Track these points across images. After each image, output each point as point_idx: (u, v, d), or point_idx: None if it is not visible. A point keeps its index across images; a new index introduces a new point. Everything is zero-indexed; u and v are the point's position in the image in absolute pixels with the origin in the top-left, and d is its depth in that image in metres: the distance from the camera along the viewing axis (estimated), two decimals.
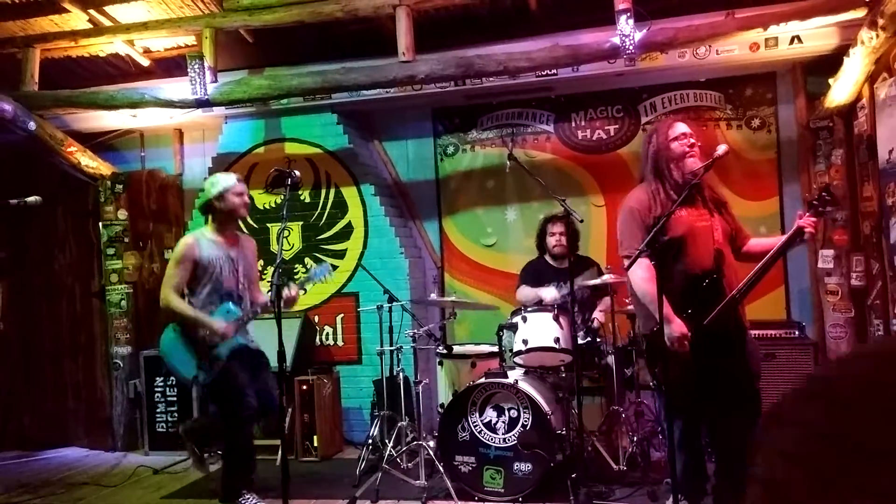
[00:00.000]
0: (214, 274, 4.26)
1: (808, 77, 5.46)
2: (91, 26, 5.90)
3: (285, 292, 4.07)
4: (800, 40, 5.01)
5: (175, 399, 5.93)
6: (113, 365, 6.25)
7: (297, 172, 3.86)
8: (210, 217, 4.38)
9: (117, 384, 6.22)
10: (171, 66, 6.30)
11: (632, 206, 3.56)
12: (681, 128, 3.54)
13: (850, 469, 0.53)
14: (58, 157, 6.01)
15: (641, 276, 3.42)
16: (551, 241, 5.12)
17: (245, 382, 4.20)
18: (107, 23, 5.89)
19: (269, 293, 4.21)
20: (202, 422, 4.72)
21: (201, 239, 4.34)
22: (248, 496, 4.23)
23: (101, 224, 6.32)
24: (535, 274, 5.16)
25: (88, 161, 6.24)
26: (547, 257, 5.19)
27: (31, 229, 6.61)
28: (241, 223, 5.06)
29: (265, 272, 6.17)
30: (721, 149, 3.35)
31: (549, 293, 4.90)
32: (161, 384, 5.97)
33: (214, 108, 5.90)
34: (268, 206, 6.21)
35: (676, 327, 3.28)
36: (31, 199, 4.28)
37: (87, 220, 6.55)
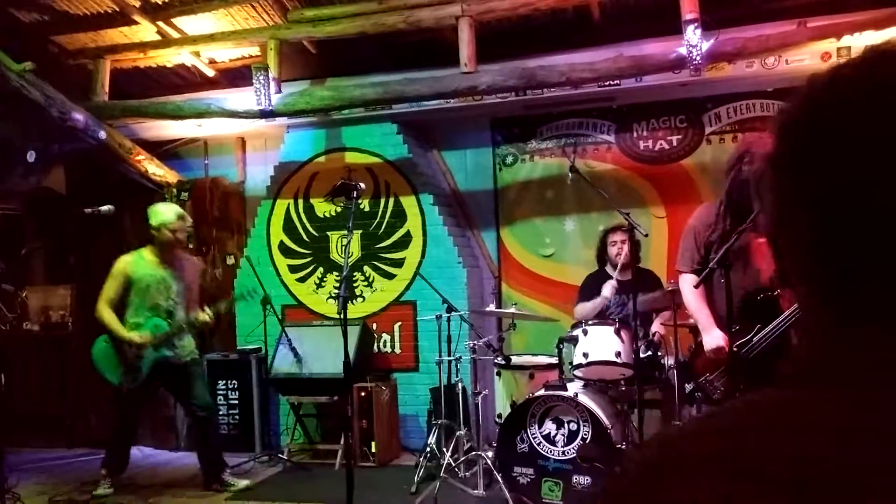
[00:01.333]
0: (143, 291, 4.86)
1: None
2: (159, 38, 6.07)
3: (201, 315, 4.91)
4: None
5: (237, 402, 6.04)
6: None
7: (363, 185, 3.90)
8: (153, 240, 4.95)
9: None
10: (235, 76, 6.44)
11: (693, 223, 3.64)
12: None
13: None
14: (126, 165, 6.19)
15: (687, 291, 3.52)
16: (612, 250, 5.07)
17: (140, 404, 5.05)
18: (174, 34, 6.06)
19: (203, 312, 4.96)
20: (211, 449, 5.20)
21: (138, 259, 4.96)
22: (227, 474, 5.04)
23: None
24: (595, 286, 5.11)
25: (155, 169, 6.42)
26: (608, 268, 5.14)
27: (100, 235, 6.81)
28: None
29: (325, 279, 6.26)
30: None
31: (607, 289, 4.85)
32: (223, 387, 6.09)
33: (277, 119, 6.00)
34: (328, 215, 6.29)
35: (713, 338, 3.35)
36: (105, 207, 4.43)
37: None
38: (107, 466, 5.04)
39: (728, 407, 0.62)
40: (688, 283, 3.52)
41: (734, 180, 3.41)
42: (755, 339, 3.31)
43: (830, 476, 0.52)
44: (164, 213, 4.95)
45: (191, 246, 6.46)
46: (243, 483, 5.06)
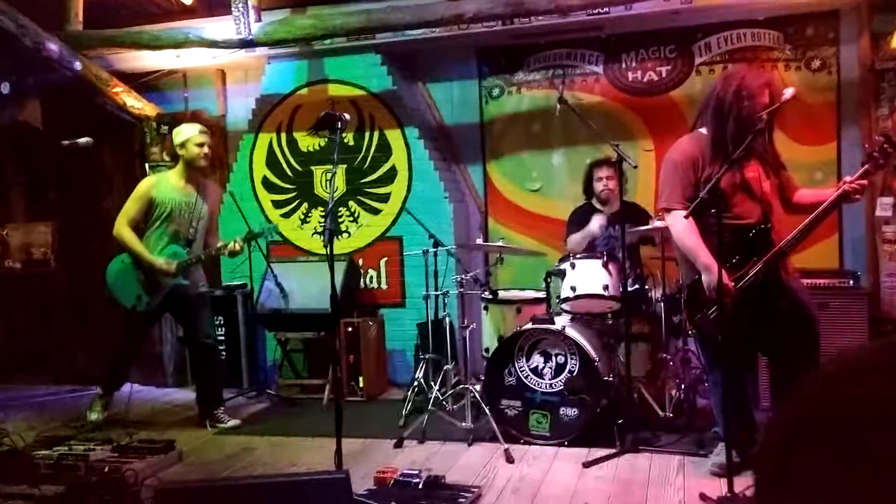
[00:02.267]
0: (166, 215, 4.73)
1: (874, 15, 5.20)
2: None
3: (230, 245, 4.71)
4: None
5: (223, 338, 6.03)
6: None
7: (347, 115, 3.80)
8: (178, 163, 4.83)
9: (166, 322, 6.33)
10: (213, 4, 6.20)
11: (675, 157, 3.54)
12: (765, 84, 3.33)
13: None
14: (103, 97, 6.02)
15: (682, 228, 3.42)
16: (598, 185, 5.05)
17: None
18: None
19: (232, 241, 4.76)
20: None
21: (162, 181, 4.84)
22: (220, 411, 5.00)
23: (147, 165, 6.36)
24: (582, 220, 5.09)
25: (133, 102, 6.25)
26: (594, 202, 5.11)
27: (79, 170, 6.68)
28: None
29: (310, 215, 6.19)
30: (788, 92, 3.23)
31: (595, 223, 4.84)
32: None
33: (258, 49, 5.83)
34: (311, 149, 6.18)
35: (713, 276, 3.27)
36: (83, 140, 4.31)
37: (133, 160, 6.59)
38: (104, 386, 5.03)
39: None
40: (679, 219, 3.40)
41: (735, 118, 3.30)
42: (751, 272, 3.31)
43: None
44: (187, 129, 4.81)
45: None
46: (232, 422, 4.98)
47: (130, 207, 4.76)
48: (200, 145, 4.75)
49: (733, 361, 3.46)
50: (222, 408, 5.06)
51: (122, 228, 4.72)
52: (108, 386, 5.06)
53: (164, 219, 4.75)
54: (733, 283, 3.31)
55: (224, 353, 6.04)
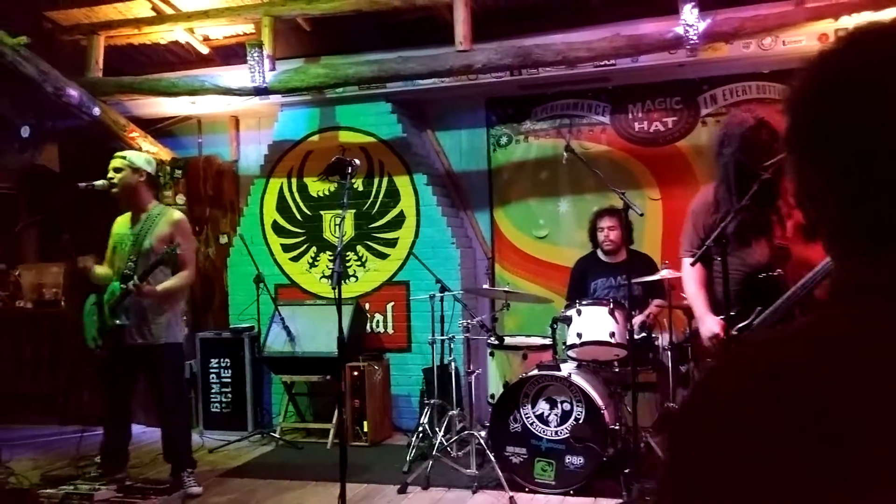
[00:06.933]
0: (115, 251, 4.55)
1: None
2: (154, 14, 6.02)
3: (129, 285, 4.23)
4: None
5: (229, 380, 6.04)
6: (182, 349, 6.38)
7: (358, 161, 3.88)
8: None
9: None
10: (229, 54, 6.39)
11: (692, 206, 3.58)
12: (755, 119, 3.27)
13: None
14: (120, 142, 6.14)
15: (685, 276, 3.48)
16: (600, 235, 5.07)
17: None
18: (168, 11, 6.01)
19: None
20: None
21: (123, 217, 4.64)
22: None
23: None
24: (585, 271, 5.12)
25: (149, 146, 6.38)
26: (599, 252, 5.14)
27: (93, 212, 6.76)
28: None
29: (318, 259, 6.24)
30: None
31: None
32: (216, 365, 6.09)
33: (271, 96, 5.96)
34: (322, 194, 6.27)
35: (706, 327, 3.28)
36: (100, 182, 4.40)
37: None
38: (100, 453, 4.67)
39: (793, 324, 0.71)
40: (685, 267, 3.46)
41: (725, 164, 3.31)
42: (755, 322, 3.26)
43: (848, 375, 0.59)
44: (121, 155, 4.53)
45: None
46: (194, 489, 4.48)
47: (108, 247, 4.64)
48: (108, 173, 4.45)
49: None
50: (189, 470, 4.56)
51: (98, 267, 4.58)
52: (103, 455, 4.64)
53: (114, 256, 4.54)
54: (734, 333, 3.28)
55: (230, 395, 6.05)
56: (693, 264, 3.32)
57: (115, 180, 4.43)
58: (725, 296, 3.20)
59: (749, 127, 3.24)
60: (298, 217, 6.33)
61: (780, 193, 3.36)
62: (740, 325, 3.27)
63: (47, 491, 4.22)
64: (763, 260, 3.31)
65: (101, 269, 4.56)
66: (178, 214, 4.68)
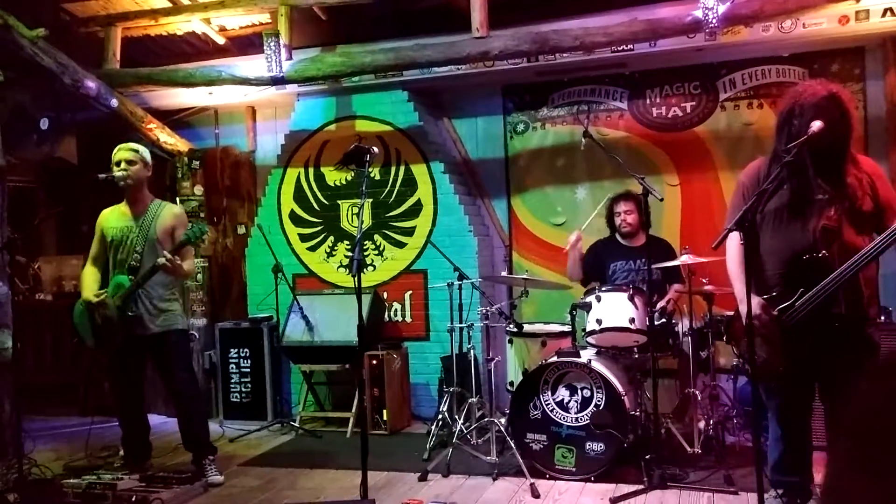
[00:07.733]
0: (113, 245, 4.47)
1: None
2: (170, 4, 6.03)
3: (159, 261, 4.20)
4: (893, 13, 4.78)
5: (249, 370, 6.07)
6: (189, 336, 6.42)
7: (376, 149, 3.87)
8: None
9: (193, 355, 6.38)
10: (245, 44, 6.40)
11: (740, 178, 3.44)
12: (828, 91, 3.15)
13: None
14: (138, 133, 6.17)
15: (729, 252, 3.35)
16: (617, 220, 5.06)
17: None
18: (185, 1, 6.02)
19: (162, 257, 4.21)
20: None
21: (113, 211, 4.58)
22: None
23: (178, 199, 6.48)
24: (603, 252, 5.09)
25: (167, 138, 6.40)
26: (617, 236, 5.12)
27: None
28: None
29: (336, 248, 6.25)
30: (815, 125, 3.18)
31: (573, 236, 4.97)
32: (235, 356, 6.12)
33: (288, 86, 5.96)
34: (338, 184, 6.27)
35: (744, 307, 3.11)
36: (119, 174, 4.41)
37: (164, 194, 6.71)
38: (123, 446, 4.78)
39: None
40: (733, 242, 3.28)
41: (787, 136, 3.17)
42: (797, 303, 3.15)
43: None
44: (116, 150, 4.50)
45: (202, 216, 6.48)
46: (216, 478, 4.50)
47: (91, 245, 4.61)
48: (118, 164, 4.42)
49: (785, 397, 3.33)
50: (210, 457, 4.58)
51: (84, 269, 4.61)
52: (125, 448, 4.75)
53: (112, 249, 4.49)
54: (776, 315, 3.23)
55: (249, 385, 6.08)
56: (717, 245, 3.21)
57: (129, 172, 4.43)
58: (747, 270, 3.14)
59: (823, 97, 3.13)
60: (316, 207, 6.34)
61: (840, 172, 3.21)
62: (782, 305, 3.20)
63: (71, 481, 4.25)
64: (809, 240, 3.17)
65: (95, 290, 4.51)
66: (178, 207, 4.80)
